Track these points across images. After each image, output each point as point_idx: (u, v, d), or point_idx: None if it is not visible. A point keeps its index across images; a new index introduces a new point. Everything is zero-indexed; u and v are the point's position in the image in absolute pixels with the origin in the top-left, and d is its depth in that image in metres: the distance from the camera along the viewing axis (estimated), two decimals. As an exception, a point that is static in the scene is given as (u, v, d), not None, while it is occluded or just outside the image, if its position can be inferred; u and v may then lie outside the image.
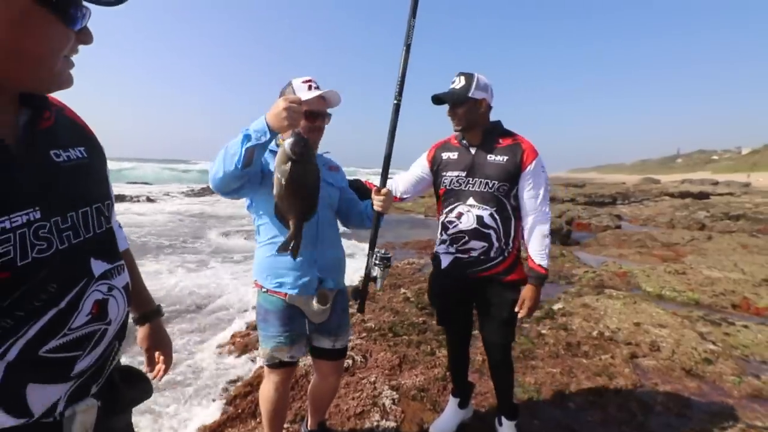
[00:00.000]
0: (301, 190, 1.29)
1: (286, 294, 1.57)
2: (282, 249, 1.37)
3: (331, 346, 1.73)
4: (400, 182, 2.07)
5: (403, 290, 4.60)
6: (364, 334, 3.34)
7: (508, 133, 1.85)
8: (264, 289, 1.61)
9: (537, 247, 1.78)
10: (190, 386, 2.66)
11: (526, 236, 1.83)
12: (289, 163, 1.23)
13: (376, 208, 1.65)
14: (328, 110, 1.64)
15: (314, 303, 1.60)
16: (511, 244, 1.84)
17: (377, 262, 1.75)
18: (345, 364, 2.73)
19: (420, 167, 2.03)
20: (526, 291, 1.79)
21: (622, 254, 7.35)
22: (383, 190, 1.64)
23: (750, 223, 11.21)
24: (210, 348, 3.24)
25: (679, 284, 4.98)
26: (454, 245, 1.86)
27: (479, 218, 1.79)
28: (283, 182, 1.25)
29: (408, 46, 1.57)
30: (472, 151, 1.85)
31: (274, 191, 1.28)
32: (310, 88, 1.56)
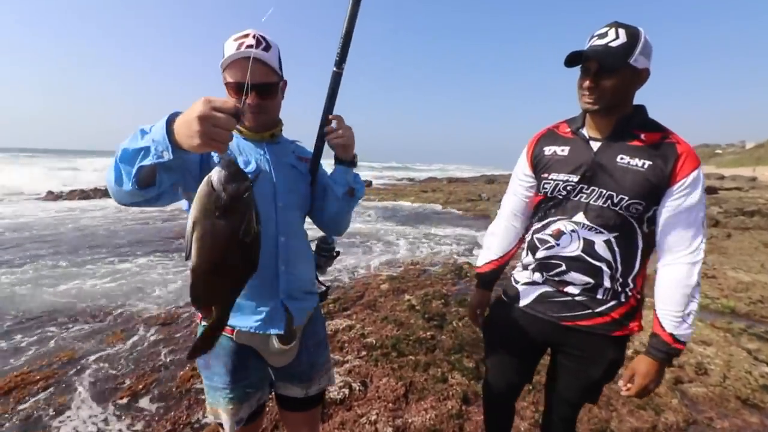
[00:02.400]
0: (233, 258, 0.82)
1: (233, 330, 1.13)
2: (203, 345, 0.92)
3: (303, 394, 1.29)
4: (497, 226, 1.57)
5: (407, 296, 4.16)
6: (363, 353, 2.90)
7: (655, 126, 1.24)
8: (204, 322, 1.16)
9: (673, 306, 1.18)
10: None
11: (658, 282, 1.23)
12: (216, 218, 0.76)
13: (334, 141, 1.19)
14: (263, 79, 1.07)
15: (274, 341, 1.16)
16: (631, 285, 1.27)
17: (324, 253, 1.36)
18: (341, 394, 2.30)
19: (521, 175, 1.47)
20: (642, 365, 1.22)
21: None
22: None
23: (766, 220, 10.76)
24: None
25: (711, 289, 4.54)
26: (544, 273, 1.35)
27: (588, 244, 1.25)
28: (204, 247, 0.78)
29: None
30: (594, 146, 1.26)
31: (192, 254, 0.79)
32: (241, 46, 1.03)
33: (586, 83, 1.20)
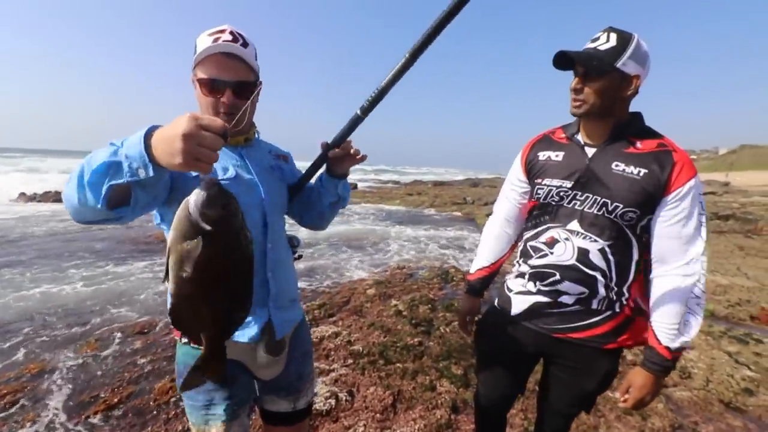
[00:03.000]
0: (221, 284, 0.75)
1: None
2: (192, 381, 0.86)
3: (291, 408, 1.23)
4: (489, 232, 1.54)
5: (394, 302, 4.11)
6: (350, 361, 2.83)
7: (651, 133, 1.22)
8: (184, 339, 1.09)
9: (668, 319, 1.15)
10: (130, 438, 2.10)
11: (652, 294, 1.19)
12: (199, 241, 0.69)
13: (336, 163, 1.15)
14: (239, 78, 1.01)
15: (262, 353, 1.10)
16: (626, 294, 1.24)
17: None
18: (327, 405, 2.23)
19: (515, 180, 1.45)
20: (639, 377, 1.19)
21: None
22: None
23: (740, 224, 11.12)
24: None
25: (691, 293, 4.63)
26: (537, 282, 1.31)
27: (582, 252, 1.22)
28: (185, 275, 0.71)
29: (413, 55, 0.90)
30: (589, 152, 1.24)
31: (170, 281, 0.73)
32: (216, 41, 0.97)
33: (573, 84, 1.20)
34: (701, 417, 2.38)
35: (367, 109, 1.02)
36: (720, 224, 11.15)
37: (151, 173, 0.71)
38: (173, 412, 2.25)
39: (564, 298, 1.27)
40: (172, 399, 2.37)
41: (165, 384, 2.52)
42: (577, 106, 1.19)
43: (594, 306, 1.24)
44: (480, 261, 1.55)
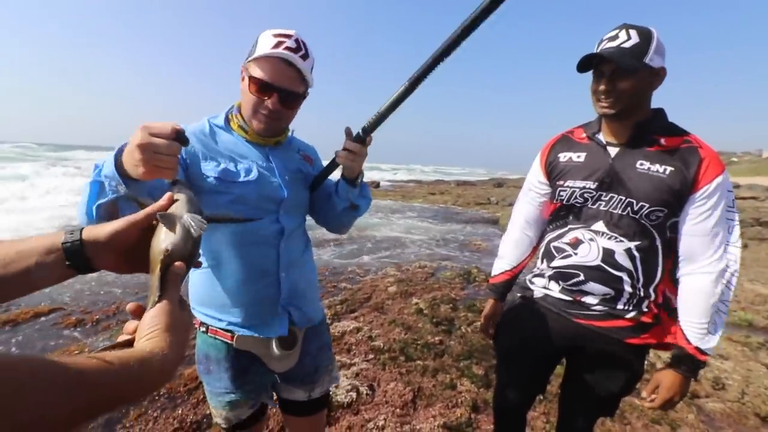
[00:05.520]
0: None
1: (232, 336, 1.11)
2: None
3: (306, 398, 1.26)
4: (509, 235, 1.53)
5: (415, 300, 4.12)
6: (371, 356, 2.87)
7: (676, 130, 1.19)
8: (203, 328, 1.14)
9: (697, 318, 1.13)
10: None
11: (680, 293, 1.18)
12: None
13: (338, 160, 1.12)
14: (294, 88, 1.04)
15: (275, 346, 1.13)
16: (652, 294, 1.22)
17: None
18: (348, 398, 2.27)
19: (535, 183, 1.43)
20: (667, 377, 1.17)
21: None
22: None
23: (784, 231, 10.51)
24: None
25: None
26: (560, 282, 1.31)
27: (607, 253, 1.20)
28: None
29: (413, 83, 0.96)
30: (612, 152, 1.22)
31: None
32: (279, 45, 0.99)
33: (602, 87, 1.17)
34: (734, 430, 2.28)
35: (367, 130, 1.05)
36: (761, 231, 10.54)
37: (127, 189, 0.75)
38: (202, 397, 2.34)
39: (588, 299, 1.26)
40: (202, 384, 2.47)
41: (194, 370, 2.62)
42: (609, 106, 1.17)
43: (619, 306, 1.23)
44: (502, 264, 1.55)
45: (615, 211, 1.20)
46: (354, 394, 2.34)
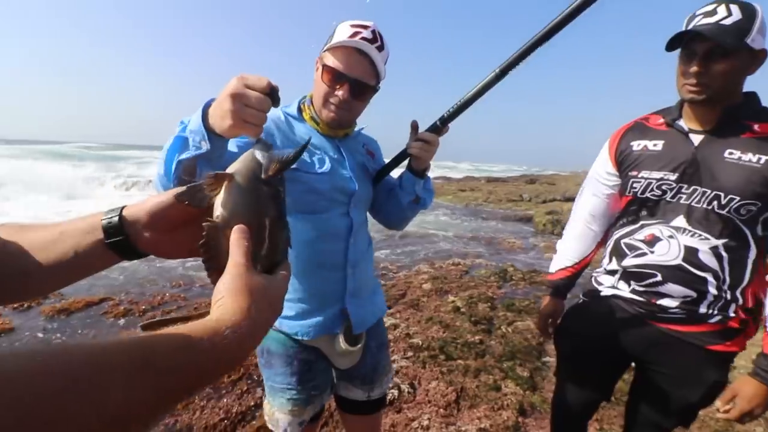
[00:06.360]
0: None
1: (297, 332, 1.09)
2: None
3: (365, 398, 1.24)
4: (571, 229, 1.45)
5: (451, 297, 4.04)
6: (410, 353, 2.82)
7: None
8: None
9: None
10: None
11: None
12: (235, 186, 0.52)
13: (411, 150, 1.10)
14: (367, 80, 1.02)
15: (341, 342, 1.11)
16: (740, 298, 1.11)
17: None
18: (390, 395, 2.24)
19: (603, 174, 1.33)
20: (748, 387, 1.07)
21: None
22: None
23: None
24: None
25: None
26: (632, 283, 1.21)
27: (690, 251, 1.10)
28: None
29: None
30: (695, 140, 1.11)
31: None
32: (356, 35, 0.97)
33: (693, 68, 1.05)
34: (811, 448, 2.09)
35: (445, 120, 1.02)
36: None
37: (209, 146, 0.72)
38: (245, 387, 2.37)
39: (665, 301, 1.16)
40: (245, 375, 2.50)
41: (236, 362, 2.67)
42: (698, 91, 1.06)
43: (701, 310, 1.13)
44: (562, 260, 1.46)
45: (698, 206, 1.10)
46: (395, 392, 2.31)
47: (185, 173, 0.77)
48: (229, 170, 0.52)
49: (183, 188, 0.52)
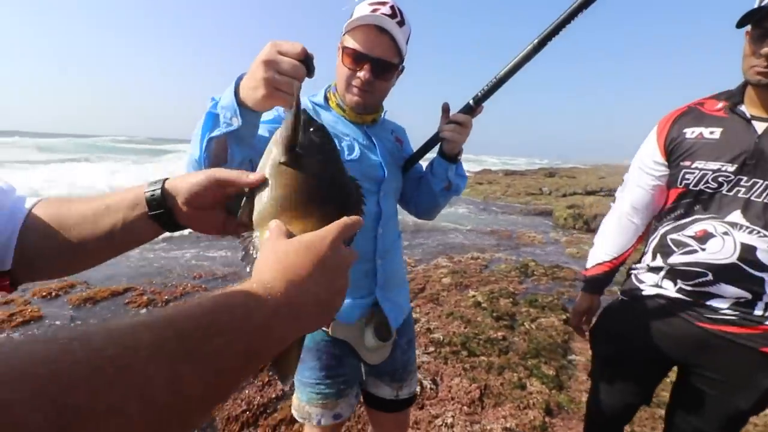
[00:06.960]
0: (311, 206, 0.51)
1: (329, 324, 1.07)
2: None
3: (393, 396, 1.21)
4: (611, 222, 1.37)
5: (471, 292, 3.97)
6: (431, 349, 2.78)
7: None
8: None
9: None
10: None
11: None
12: (282, 164, 0.51)
13: (443, 134, 1.05)
14: (392, 59, 0.96)
15: (371, 336, 1.07)
16: None
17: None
18: (411, 391, 2.20)
19: (649, 163, 1.23)
20: None
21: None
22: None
23: None
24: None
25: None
26: (679, 281, 1.13)
27: (747, 249, 1.01)
28: (271, 196, 0.51)
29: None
30: (759, 127, 1.03)
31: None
32: (374, 12, 0.91)
33: (766, 49, 0.95)
34: None
35: (479, 100, 0.97)
36: None
37: (241, 121, 0.67)
38: (267, 380, 2.37)
39: (714, 302, 1.08)
40: (266, 367, 2.50)
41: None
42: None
43: (757, 312, 1.05)
44: (599, 255, 1.38)
45: (758, 200, 1.01)
46: (417, 388, 2.27)
47: (216, 153, 0.73)
48: (256, 174, 0.53)
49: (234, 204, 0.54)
